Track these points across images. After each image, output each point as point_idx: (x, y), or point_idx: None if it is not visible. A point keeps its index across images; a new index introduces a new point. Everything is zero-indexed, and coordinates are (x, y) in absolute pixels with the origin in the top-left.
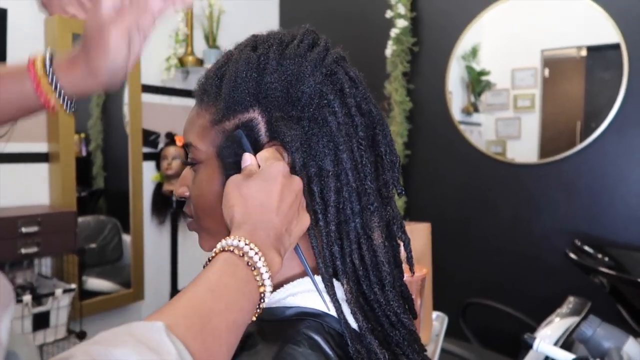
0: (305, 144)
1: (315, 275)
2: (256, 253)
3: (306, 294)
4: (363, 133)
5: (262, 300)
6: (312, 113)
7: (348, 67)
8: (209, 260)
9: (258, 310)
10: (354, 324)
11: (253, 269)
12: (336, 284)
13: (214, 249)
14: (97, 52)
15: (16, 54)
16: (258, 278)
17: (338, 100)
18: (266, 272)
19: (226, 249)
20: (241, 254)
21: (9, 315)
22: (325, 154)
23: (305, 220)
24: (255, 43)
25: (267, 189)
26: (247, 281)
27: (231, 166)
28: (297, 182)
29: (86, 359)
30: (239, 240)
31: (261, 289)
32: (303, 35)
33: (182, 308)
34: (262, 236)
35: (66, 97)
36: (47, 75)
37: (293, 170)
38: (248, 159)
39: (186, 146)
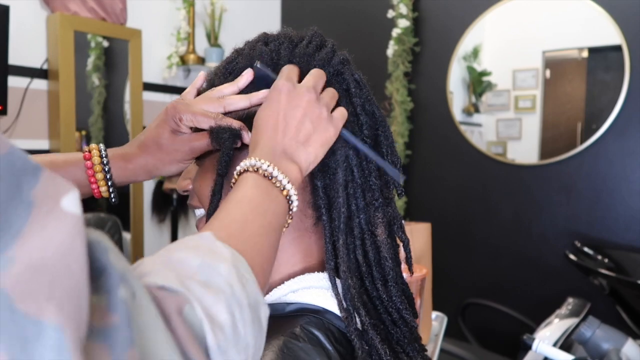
0: None
1: (314, 273)
2: (268, 165)
3: (307, 291)
4: (367, 132)
5: (290, 203)
6: None
7: (353, 70)
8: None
9: (290, 213)
10: (356, 320)
11: (270, 177)
12: (338, 280)
13: (233, 176)
14: (158, 160)
15: (18, 51)
16: (278, 184)
17: (344, 99)
18: (284, 177)
19: (241, 171)
20: (255, 169)
21: (74, 193)
22: (331, 150)
23: (328, 131)
24: (266, 39)
25: (270, 110)
26: (268, 189)
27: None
28: (303, 95)
29: (154, 260)
30: (250, 159)
31: (284, 192)
32: (311, 37)
33: (219, 222)
34: (268, 153)
35: (113, 187)
36: (103, 170)
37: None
38: (261, 93)
39: None
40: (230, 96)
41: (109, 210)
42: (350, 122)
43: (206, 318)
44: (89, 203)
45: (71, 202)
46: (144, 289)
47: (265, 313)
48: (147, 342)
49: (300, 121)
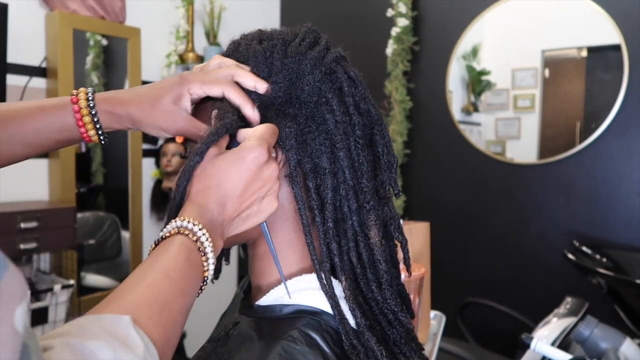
0: (301, 141)
1: (311, 274)
2: (207, 239)
3: (303, 292)
4: (360, 132)
5: (204, 284)
6: (310, 111)
7: (348, 67)
8: (162, 239)
9: (200, 293)
10: (351, 321)
11: (203, 254)
12: (334, 281)
13: (168, 229)
14: (146, 117)
15: (17, 49)
16: (205, 264)
17: (336, 98)
18: (212, 257)
19: (181, 231)
20: (195, 239)
21: (24, 306)
22: (321, 151)
23: (269, 207)
24: (260, 37)
25: (232, 172)
26: (197, 266)
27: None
28: (271, 170)
29: (65, 351)
30: (194, 225)
31: (205, 274)
32: (305, 34)
33: (143, 296)
34: (211, 221)
35: (102, 131)
36: (90, 113)
37: (287, 166)
38: (241, 133)
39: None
40: (241, 69)
41: (108, 209)
42: (342, 123)
43: None
44: (89, 202)
45: (21, 317)
46: None
47: None
48: None
49: (252, 198)
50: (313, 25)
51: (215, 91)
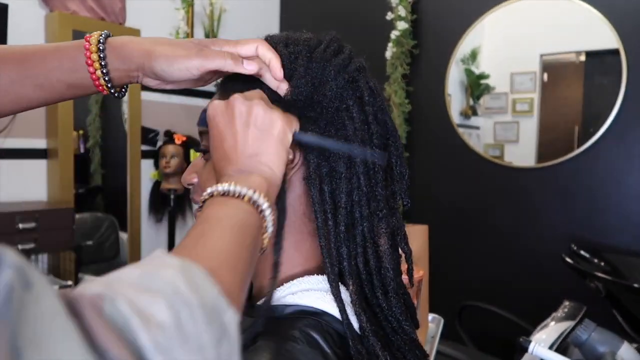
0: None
1: (313, 275)
2: (227, 185)
3: (306, 293)
4: (377, 141)
5: (260, 210)
6: (330, 116)
7: (368, 78)
8: (210, 196)
9: (264, 220)
10: (355, 325)
11: (228, 194)
12: (341, 286)
13: (213, 190)
14: (163, 62)
15: None
16: (237, 195)
17: (357, 106)
18: (242, 187)
19: (203, 200)
20: (210, 194)
21: None
22: (339, 156)
23: (274, 129)
24: (287, 41)
25: (215, 137)
26: (228, 201)
27: None
28: (235, 108)
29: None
30: (234, 186)
31: (246, 199)
32: (329, 41)
33: (215, 254)
34: (228, 176)
35: (109, 77)
36: (98, 50)
37: (305, 168)
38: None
39: (200, 134)
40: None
41: (106, 209)
42: (361, 131)
43: (137, 316)
44: (87, 202)
45: None
46: (51, 288)
47: (231, 319)
48: (39, 338)
49: (243, 136)
50: (337, 34)
51: (248, 48)
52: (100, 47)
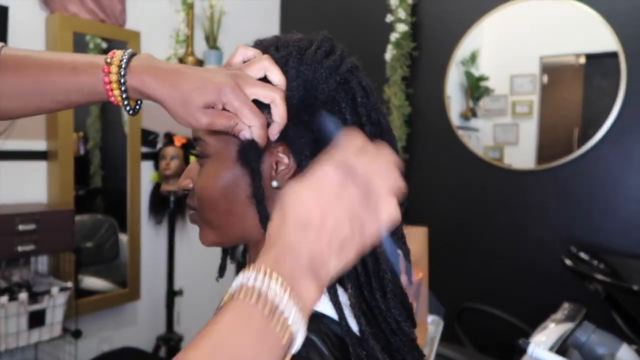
0: (315, 149)
1: None
2: (281, 285)
3: None
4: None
5: (292, 342)
6: None
7: (361, 77)
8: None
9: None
10: (355, 328)
11: (274, 312)
12: (339, 289)
13: (233, 289)
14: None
15: None
16: (279, 327)
17: (349, 108)
18: (296, 310)
19: (236, 291)
20: (258, 294)
21: None
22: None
23: (368, 232)
24: (277, 44)
25: (310, 196)
26: (265, 332)
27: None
28: (361, 180)
29: None
30: (253, 272)
31: (287, 333)
32: (320, 42)
33: None
34: (289, 262)
35: (129, 101)
36: (120, 87)
37: (300, 174)
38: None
39: (195, 140)
40: (273, 64)
41: (106, 211)
42: None
43: None
44: (87, 204)
45: None
46: None
47: None
48: None
49: (341, 220)
50: (329, 34)
51: (257, 72)
52: (122, 73)
